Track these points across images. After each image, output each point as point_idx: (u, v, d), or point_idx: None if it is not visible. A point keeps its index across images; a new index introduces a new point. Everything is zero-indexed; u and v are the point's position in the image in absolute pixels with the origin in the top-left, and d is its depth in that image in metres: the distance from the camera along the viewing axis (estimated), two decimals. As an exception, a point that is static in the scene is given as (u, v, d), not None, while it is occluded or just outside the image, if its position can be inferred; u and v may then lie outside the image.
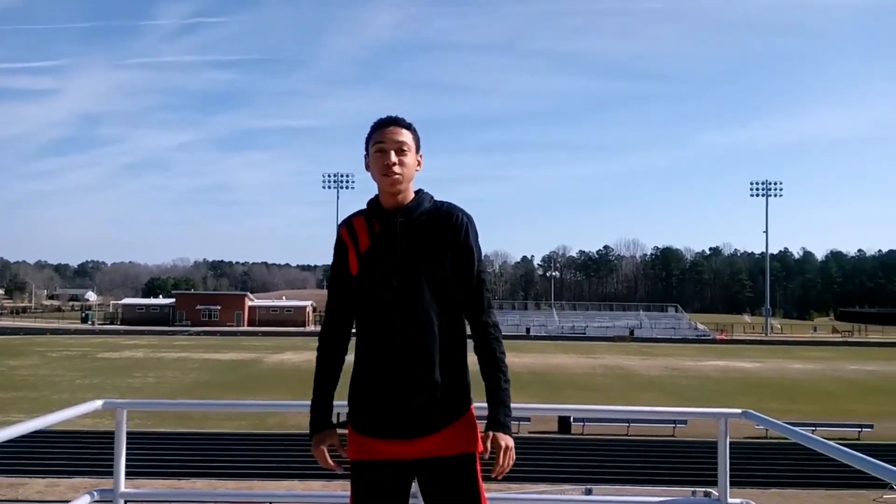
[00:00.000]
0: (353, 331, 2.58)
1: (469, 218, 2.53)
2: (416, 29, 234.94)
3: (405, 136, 2.51)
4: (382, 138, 2.50)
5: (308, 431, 2.55)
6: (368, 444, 2.46)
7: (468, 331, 2.57)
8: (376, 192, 2.56)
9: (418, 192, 2.56)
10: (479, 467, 2.49)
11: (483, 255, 2.59)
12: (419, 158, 2.57)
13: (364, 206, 2.59)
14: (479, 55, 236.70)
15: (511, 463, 2.45)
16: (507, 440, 2.44)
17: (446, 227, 2.49)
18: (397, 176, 2.46)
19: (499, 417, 2.48)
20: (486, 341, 2.55)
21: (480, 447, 2.48)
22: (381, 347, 2.45)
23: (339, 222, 2.61)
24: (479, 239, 2.54)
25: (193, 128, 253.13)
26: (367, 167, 2.56)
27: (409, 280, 2.44)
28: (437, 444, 2.43)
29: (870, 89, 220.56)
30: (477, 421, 2.54)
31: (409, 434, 2.42)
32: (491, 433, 2.46)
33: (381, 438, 2.44)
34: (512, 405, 2.55)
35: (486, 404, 2.53)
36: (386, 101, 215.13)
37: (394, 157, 2.46)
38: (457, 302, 2.51)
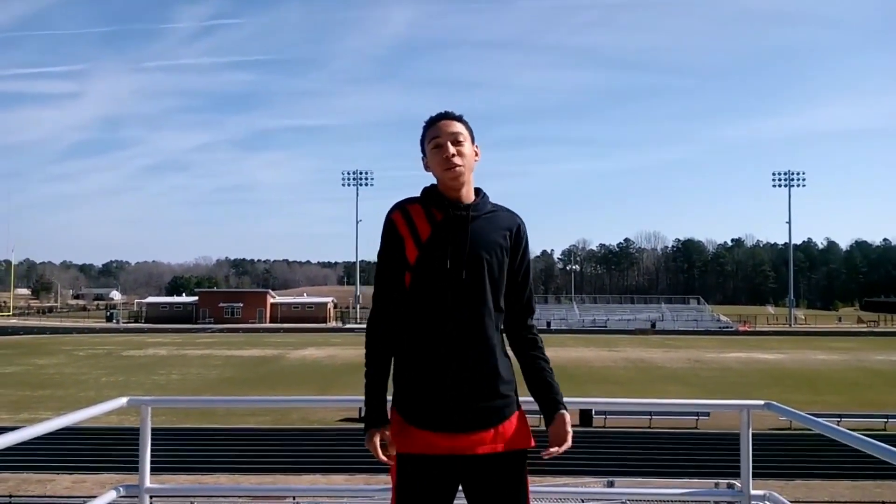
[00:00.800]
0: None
1: (526, 227, 2.57)
2: (431, 26, 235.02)
3: (458, 127, 2.49)
4: (437, 132, 2.47)
5: (364, 425, 2.44)
6: (420, 437, 2.39)
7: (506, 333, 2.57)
8: (433, 182, 2.53)
9: (479, 191, 2.54)
10: (525, 467, 2.49)
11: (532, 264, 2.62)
12: (476, 149, 2.54)
13: (415, 195, 2.54)
14: (495, 51, 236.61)
15: (569, 444, 2.45)
16: (568, 424, 2.46)
17: (509, 230, 2.50)
18: (459, 167, 2.43)
19: (560, 400, 2.50)
20: (532, 341, 2.56)
21: (532, 443, 2.47)
22: (442, 338, 2.39)
23: (392, 207, 2.51)
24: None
25: (213, 129, 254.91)
26: (426, 167, 2.52)
27: (476, 274, 2.42)
28: (496, 438, 2.41)
29: (891, 78, 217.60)
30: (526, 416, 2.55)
31: (466, 428, 2.38)
32: (559, 413, 2.46)
33: (436, 432, 2.39)
34: (532, 398, 2.56)
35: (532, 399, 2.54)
36: (402, 99, 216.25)
37: (452, 149, 2.43)
38: (509, 305, 2.53)
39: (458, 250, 2.41)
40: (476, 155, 2.53)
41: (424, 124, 2.53)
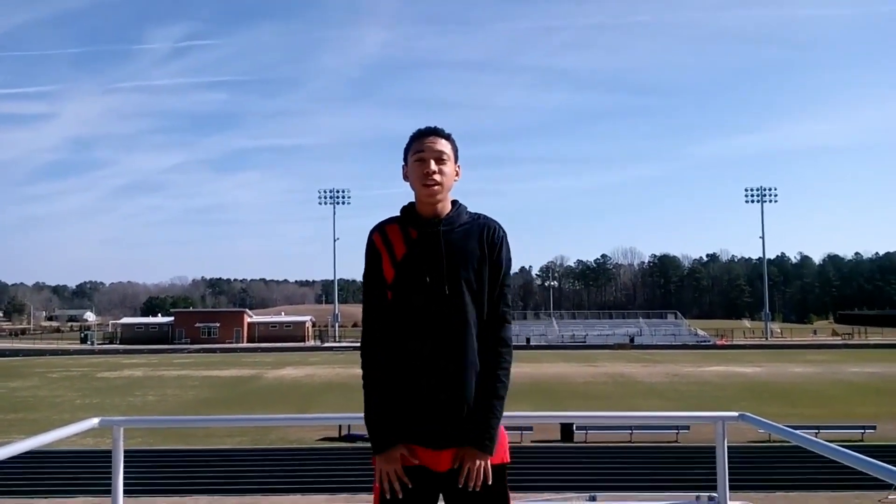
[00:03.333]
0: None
1: (504, 233, 2.54)
2: (406, 47, 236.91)
3: (444, 145, 2.51)
4: (422, 147, 2.49)
5: (372, 448, 2.42)
6: (406, 453, 2.41)
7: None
8: (411, 200, 2.55)
9: (455, 203, 2.55)
10: (505, 479, 2.47)
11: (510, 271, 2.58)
12: (457, 168, 2.56)
13: (395, 215, 2.56)
14: (470, 72, 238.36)
15: (478, 483, 2.36)
16: (478, 460, 2.37)
17: (485, 240, 2.49)
18: (437, 186, 2.45)
19: (480, 435, 2.39)
20: (497, 354, 2.49)
21: (507, 458, 2.47)
22: (419, 355, 2.40)
23: (372, 229, 2.55)
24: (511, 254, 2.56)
25: (186, 149, 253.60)
26: (406, 177, 2.55)
27: (455, 289, 2.42)
28: (466, 455, 2.40)
29: (860, 96, 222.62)
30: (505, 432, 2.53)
31: (440, 444, 2.40)
32: (478, 453, 2.38)
33: (419, 447, 2.40)
34: (515, 413, 2.54)
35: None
36: (378, 118, 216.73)
37: (433, 166, 2.46)
38: (485, 314, 2.50)
39: (435, 267, 2.42)
40: (457, 174, 2.56)
41: (412, 135, 2.54)
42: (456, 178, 2.55)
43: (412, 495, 2.40)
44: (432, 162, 2.46)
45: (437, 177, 2.45)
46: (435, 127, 2.55)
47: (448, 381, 2.39)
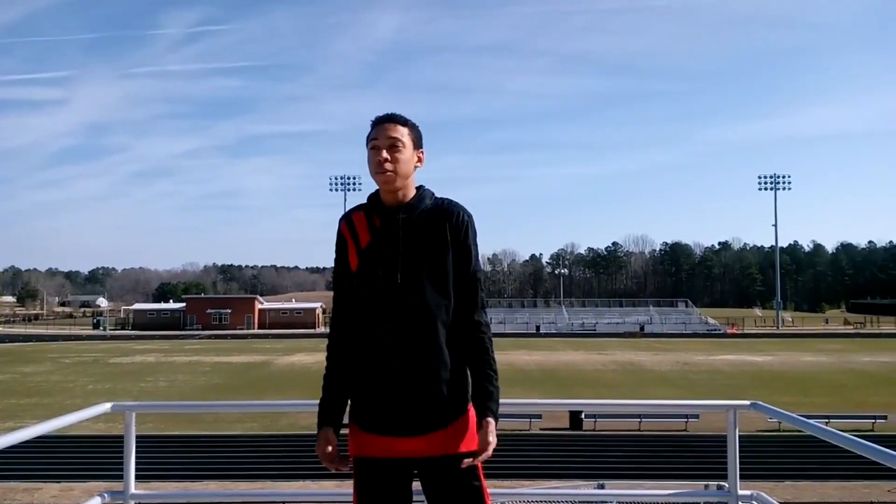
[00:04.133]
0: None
1: (469, 216, 2.52)
2: (420, 32, 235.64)
3: (399, 132, 2.48)
4: (376, 135, 2.48)
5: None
6: (370, 441, 2.44)
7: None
8: (377, 188, 2.54)
9: (419, 189, 2.54)
10: (480, 465, 2.46)
11: (480, 254, 2.56)
12: (420, 154, 2.54)
13: (364, 202, 2.57)
14: (484, 56, 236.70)
15: (488, 454, 2.38)
16: (492, 435, 2.38)
17: (448, 224, 2.47)
18: (389, 173, 2.44)
19: (491, 408, 2.41)
20: (479, 339, 2.49)
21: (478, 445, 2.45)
22: (384, 343, 2.42)
23: (341, 217, 2.57)
24: (479, 238, 2.53)
25: (200, 135, 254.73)
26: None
27: (411, 276, 2.42)
28: (440, 441, 2.41)
29: (876, 82, 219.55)
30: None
31: (411, 431, 2.40)
32: (483, 420, 2.40)
33: (384, 435, 2.42)
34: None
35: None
36: (391, 103, 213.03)
37: (385, 154, 2.44)
38: (454, 300, 2.48)
39: (393, 255, 2.44)
40: (419, 161, 2.54)
41: (371, 122, 2.53)
42: (418, 164, 2.53)
43: (386, 485, 2.44)
44: (384, 150, 2.45)
45: (388, 165, 2.44)
46: (391, 114, 2.53)
47: (417, 367, 2.40)
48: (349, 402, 2.52)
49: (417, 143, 2.54)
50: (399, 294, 2.42)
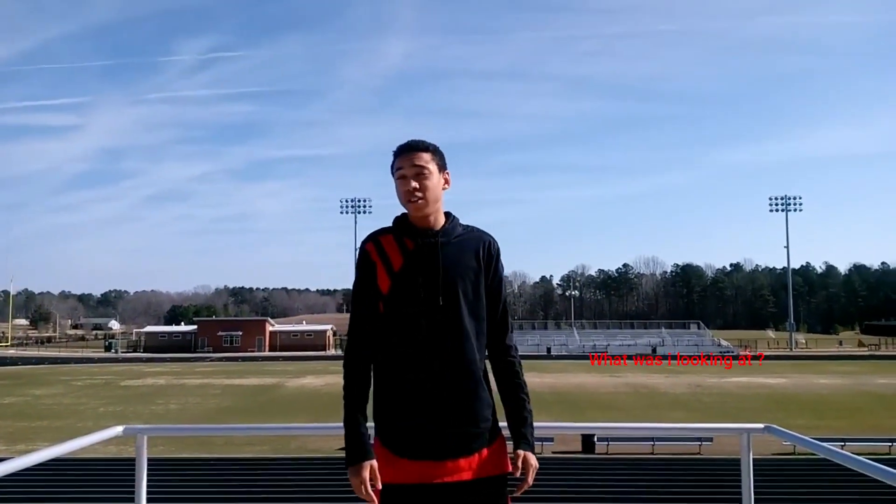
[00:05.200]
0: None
1: (498, 245, 2.58)
2: (429, 57, 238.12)
3: (424, 159, 2.50)
4: (402, 164, 2.50)
5: (344, 459, 2.40)
6: (403, 466, 2.39)
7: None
8: (404, 212, 2.55)
9: (448, 215, 2.56)
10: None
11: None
12: (446, 176, 2.56)
13: (388, 225, 2.57)
14: (493, 81, 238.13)
15: (529, 483, 2.45)
16: (534, 459, 2.44)
17: (481, 250, 2.52)
18: (420, 201, 2.46)
19: (528, 437, 2.48)
20: (510, 364, 2.57)
21: (510, 468, 2.47)
22: (422, 366, 2.41)
23: (365, 238, 2.56)
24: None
25: (212, 159, 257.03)
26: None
27: (450, 300, 2.43)
28: (477, 464, 2.41)
29: (886, 103, 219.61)
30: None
31: (448, 455, 2.39)
32: (522, 452, 2.44)
33: (419, 460, 2.39)
34: (536, 424, 2.56)
35: (534, 425, 2.54)
36: (401, 128, 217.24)
37: (414, 183, 2.46)
38: (487, 324, 2.52)
39: (432, 278, 2.44)
40: (446, 183, 2.56)
41: (394, 152, 2.55)
42: (445, 186, 2.55)
43: None
44: (412, 180, 2.47)
45: (418, 193, 2.46)
46: (413, 141, 2.54)
47: (455, 390, 2.41)
48: (376, 425, 2.48)
49: (442, 166, 2.56)
50: (439, 317, 2.42)
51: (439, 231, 2.50)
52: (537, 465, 2.44)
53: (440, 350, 2.41)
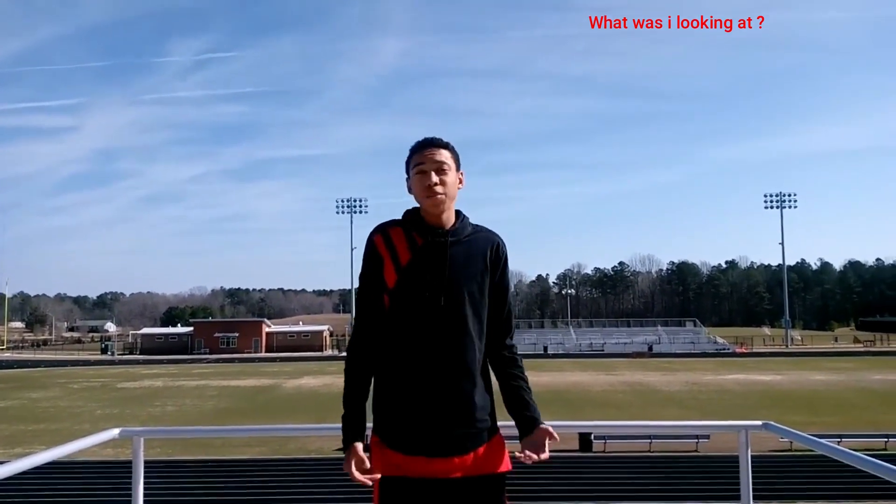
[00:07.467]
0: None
1: (506, 247, 2.58)
2: (423, 56, 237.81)
3: (444, 155, 2.50)
4: (422, 160, 2.49)
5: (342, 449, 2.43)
6: (400, 461, 2.40)
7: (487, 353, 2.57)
8: (415, 206, 2.54)
9: (459, 214, 2.55)
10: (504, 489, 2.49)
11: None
12: (460, 176, 2.56)
13: (398, 218, 2.56)
14: (486, 79, 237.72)
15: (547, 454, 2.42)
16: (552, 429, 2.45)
17: (489, 252, 2.52)
18: (440, 196, 2.45)
19: (538, 416, 2.49)
20: (514, 363, 2.57)
21: (510, 466, 2.48)
22: (422, 364, 2.41)
23: (373, 230, 2.53)
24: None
25: (207, 160, 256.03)
26: (410, 190, 2.54)
27: (454, 300, 2.43)
28: (472, 462, 2.42)
29: (880, 100, 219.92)
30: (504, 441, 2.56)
31: (446, 452, 2.40)
32: (543, 425, 2.44)
33: (417, 456, 2.39)
34: None
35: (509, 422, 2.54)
36: (396, 127, 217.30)
37: (435, 178, 2.45)
38: (487, 325, 2.53)
39: (438, 276, 2.43)
40: (460, 182, 2.55)
41: (411, 148, 2.55)
42: (459, 185, 2.55)
43: None
44: (433, 174, 2.46)
45: (439, 188, 2.45)
46: (433, 137, 2.54)
47: (454, 388, 2.41)
48: (374, 419, 2.49)
49: (458, 165, 2.56)
50: (440, 316, 2.42)
51: (449, 230, 2.49)
52: (556, 435, 2.44)
53: (440, 349, 2.41)
